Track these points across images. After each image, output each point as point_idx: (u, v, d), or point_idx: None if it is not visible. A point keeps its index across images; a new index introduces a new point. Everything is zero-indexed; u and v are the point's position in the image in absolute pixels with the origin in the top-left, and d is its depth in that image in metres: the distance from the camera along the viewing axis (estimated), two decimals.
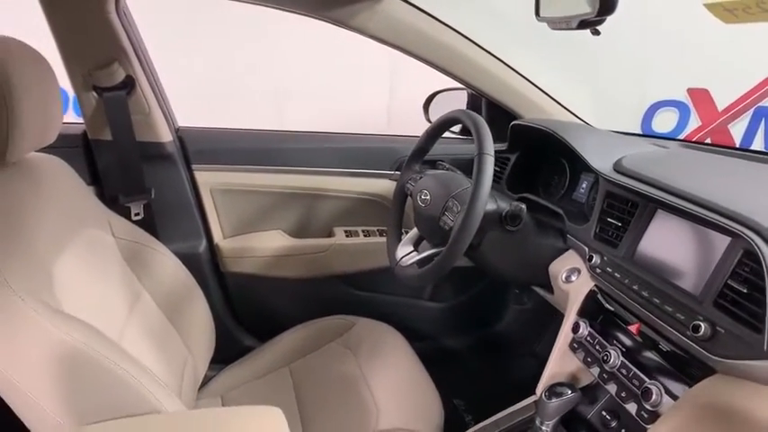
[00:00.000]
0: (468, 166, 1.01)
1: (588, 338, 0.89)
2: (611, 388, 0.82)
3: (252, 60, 2.43)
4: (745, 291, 0.66)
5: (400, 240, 1.17)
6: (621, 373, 0.81)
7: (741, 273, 0.68)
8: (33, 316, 0.68)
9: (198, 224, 1.41)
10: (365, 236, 1.51)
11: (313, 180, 1.45)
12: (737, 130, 2.41)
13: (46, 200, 0.87)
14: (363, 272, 1.52)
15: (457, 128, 1.41)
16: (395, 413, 1.06)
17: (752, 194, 0.79)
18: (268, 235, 1.47)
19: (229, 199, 1.43)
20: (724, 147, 1.28)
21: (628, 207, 0.91)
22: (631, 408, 0.78)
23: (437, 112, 1.41)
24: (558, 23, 0.85)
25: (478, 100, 1.45)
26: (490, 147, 0.92)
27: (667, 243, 0.82)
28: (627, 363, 0.81)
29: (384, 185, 1.48)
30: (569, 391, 0.83)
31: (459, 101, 1.48)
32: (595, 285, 0.94)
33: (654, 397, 0.73)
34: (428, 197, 1.08)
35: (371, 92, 2.58)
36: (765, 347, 0.61)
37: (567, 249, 1.07)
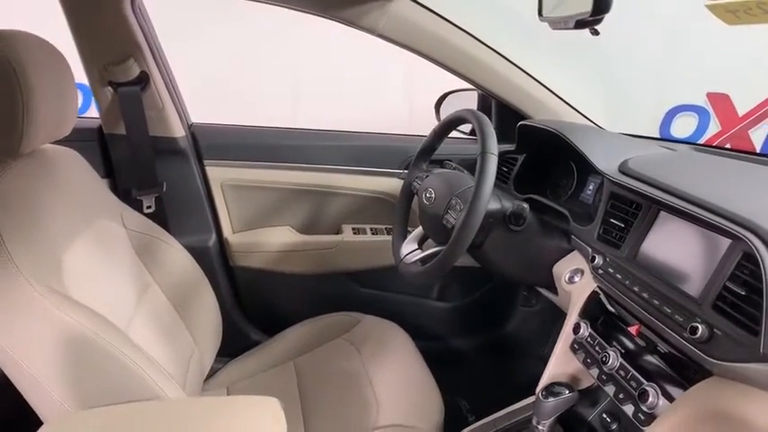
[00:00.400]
0: (474, 166, 1.02)
1: (589, 339, 0.89)
2: (610, 389, 0.82)
3: (273, 61, 2.45)
4: (743, 293, 0.66)
5: (405, 238, 1.18)
6: (620, 375, 0.80)
7: (740, 275, 0.67)
8: (40, 300, 0.70)
9: (208, 218, 1.43)
10: (373, 234, 1.52)
11: (322, 177, 1.47)
12: (758, 136, 2.37)
13: (60, 190, 0.90)
14: (371, 269, 1.52)
15: (468, 128, 1.42)
16: (395, 410, 1.07)
17: (754, 197, 0.78)
18: (277, 231, 1.48)
19: (240, 194, 1.45)
20: (734, 150, 1.26)
21: (631, 208, 0.90)
22: (629, 409, 0.77)
23: (448, 113, 1.41)
24: (558, 23, 0.85)
25: (489, 101, 1.45)
26: (494, 146, 0.92)
27: (670, 245, 0.82)
28: (625, 364, 0.80)
29: (393, 184, 1.49)
30: (566, 391, 0.83)
31: (470, 101, 1.48)
32: (598, 287, 0.94)
33: (651, 399, 0.73)
34: (433, 195, 1.09)
35: (391, 95, 2.57)
36: (762, 350, 0.61)
37: (571, 250, 1.07)
